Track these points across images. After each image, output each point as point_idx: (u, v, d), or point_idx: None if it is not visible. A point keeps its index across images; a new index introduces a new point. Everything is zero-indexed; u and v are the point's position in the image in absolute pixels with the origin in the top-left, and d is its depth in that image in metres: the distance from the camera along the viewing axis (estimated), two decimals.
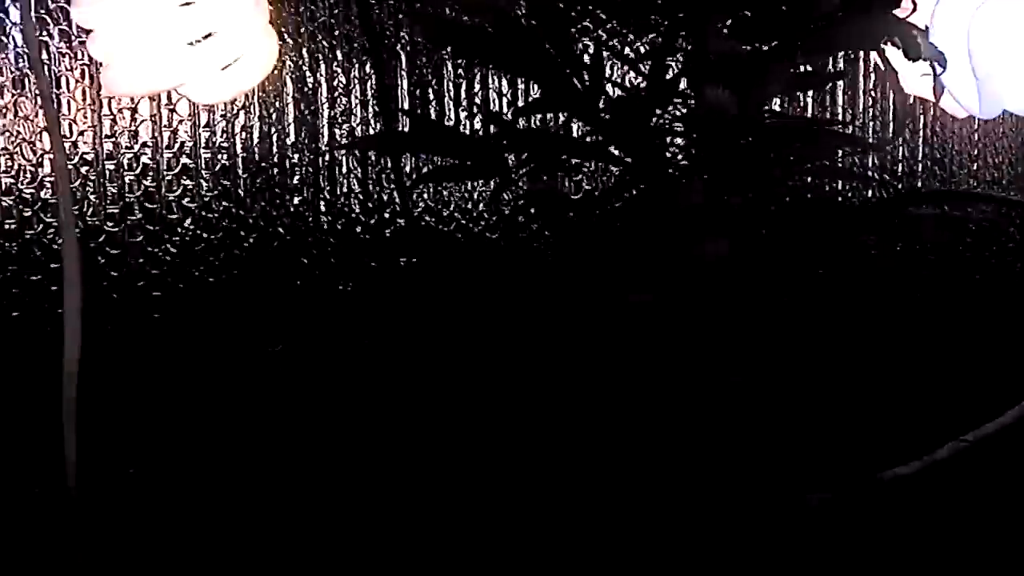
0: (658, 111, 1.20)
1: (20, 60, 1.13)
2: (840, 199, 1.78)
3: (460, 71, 1.44)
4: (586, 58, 1.23)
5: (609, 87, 1.20)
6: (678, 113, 1.19)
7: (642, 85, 1.23)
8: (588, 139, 1.21)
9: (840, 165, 1.73)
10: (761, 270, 1.17)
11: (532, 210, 1.35)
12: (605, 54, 1.28)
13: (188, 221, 1.28)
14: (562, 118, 1.45)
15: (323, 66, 1.36)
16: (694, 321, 1.15)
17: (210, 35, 0.57)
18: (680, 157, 1.22)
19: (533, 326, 1.21)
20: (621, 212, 1.29)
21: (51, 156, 1.14)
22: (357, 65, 1.38)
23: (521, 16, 1.34)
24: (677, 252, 1.15)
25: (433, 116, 1.42)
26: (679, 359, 1.14)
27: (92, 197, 1.21)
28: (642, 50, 1.29)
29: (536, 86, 1.35)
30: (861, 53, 1.80)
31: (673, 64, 1.17)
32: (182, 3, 0.56)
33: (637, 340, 1.16)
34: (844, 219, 1.30)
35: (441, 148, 1.23)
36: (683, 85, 1.19)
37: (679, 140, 1.21)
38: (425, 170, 1.42)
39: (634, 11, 1.20)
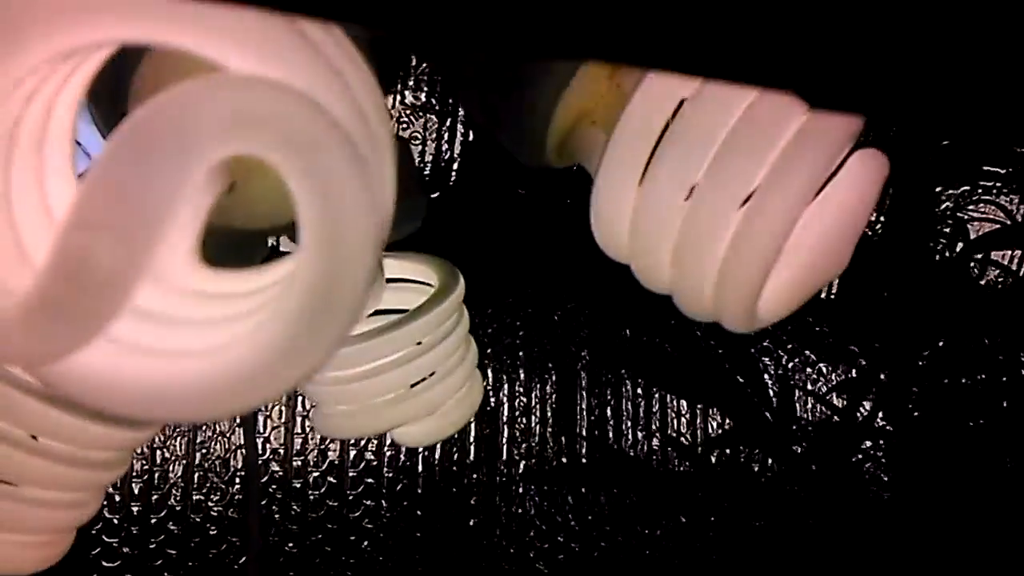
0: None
1: None
2: None
3: (640, 391, 1.42)
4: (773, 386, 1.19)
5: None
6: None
7: (835, 419, 1.18)
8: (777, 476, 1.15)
9: None
10: None
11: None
12: (796, 384, 1.25)
13: (365, 542, 1.26)
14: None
15: (506, 386, 1.37)
16: None
17: (432, 376, 0.56)
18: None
19: None
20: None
21: (242, 473, 1.16)
22: (538, 385, 1.38)
23: (702, 337, 1.33)
24: None
25: (612, 437, 1.39)
26: None
27: (276, 516, 1.21)
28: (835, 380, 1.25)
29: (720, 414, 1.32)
30: None
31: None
32: (414, 349, 0.56)
33: None
34: None
35: (626, 482, 1.20)
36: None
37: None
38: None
39: (829, 344, 1.17)
